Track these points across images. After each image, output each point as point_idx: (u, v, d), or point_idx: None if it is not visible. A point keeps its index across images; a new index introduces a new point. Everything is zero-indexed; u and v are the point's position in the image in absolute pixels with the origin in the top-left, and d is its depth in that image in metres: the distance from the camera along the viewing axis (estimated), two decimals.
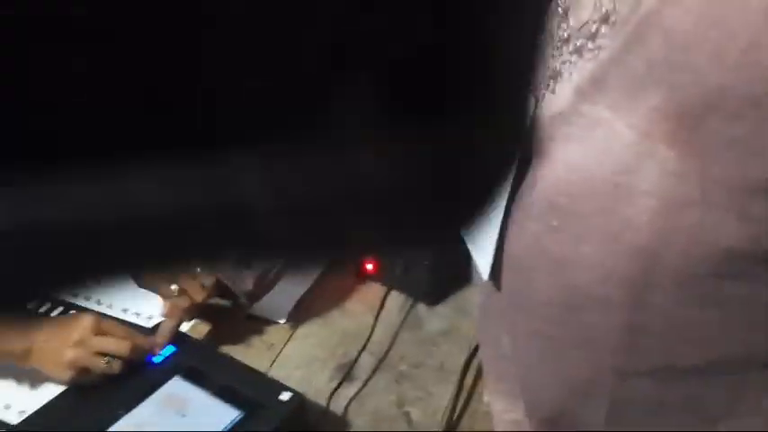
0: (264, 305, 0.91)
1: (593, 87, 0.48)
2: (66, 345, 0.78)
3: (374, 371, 0.83)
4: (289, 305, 0.91)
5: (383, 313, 0.88)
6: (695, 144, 0.44)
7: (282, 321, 0.90)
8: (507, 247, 0.59)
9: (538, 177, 0.54)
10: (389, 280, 0.91)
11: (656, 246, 0.49)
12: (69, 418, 0.77)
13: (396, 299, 0.92)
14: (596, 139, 0.49)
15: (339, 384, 0.81)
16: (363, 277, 0.95)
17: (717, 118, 0.43)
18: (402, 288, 0.92)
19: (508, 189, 0.56)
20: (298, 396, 0.75)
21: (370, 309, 0.89)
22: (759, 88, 0.41)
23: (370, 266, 0.93)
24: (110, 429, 0.73)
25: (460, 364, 0.84)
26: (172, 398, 0.77)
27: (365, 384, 0.82)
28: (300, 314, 0.91)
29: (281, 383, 0.79)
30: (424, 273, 0.89)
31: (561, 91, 0.51)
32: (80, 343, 0.77)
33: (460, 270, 0.91)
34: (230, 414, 0.74)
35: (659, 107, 0.45)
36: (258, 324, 0.89)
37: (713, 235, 0.46)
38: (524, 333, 0.60)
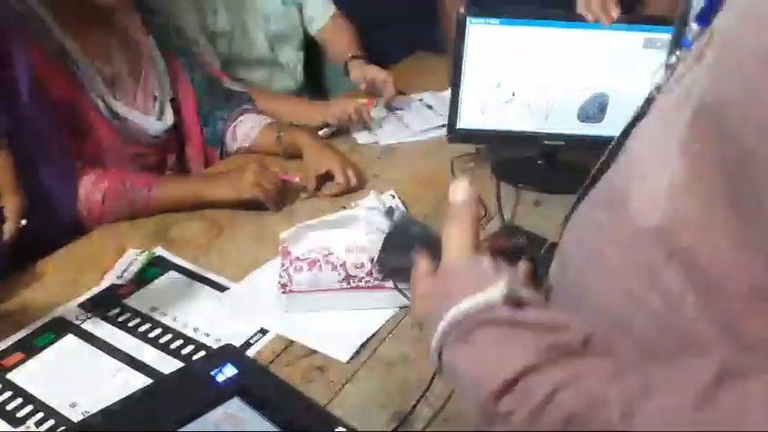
0: (330, 342, 0.91)
1: None
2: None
3: (430, 422, 0.81)
4: (354, 346, 0.91)
5: None
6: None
7: (345, 360, 0.89)
8: (564, 245, 0.58)
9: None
10: None
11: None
12: (128, 423, 0.78)
13: None
14: None
15: (395, 430, 0.80)
16: None
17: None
18: None
19: None
20: None
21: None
22: None
23: None
24: None
25: None
26: (229, 417, 0.77)
27: None
28: (363, 356, 0.91)
29: (338, 418, 0.79)
30: None
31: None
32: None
33: None
34: None
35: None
36: (321, 360, 0.90)
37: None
38: None
